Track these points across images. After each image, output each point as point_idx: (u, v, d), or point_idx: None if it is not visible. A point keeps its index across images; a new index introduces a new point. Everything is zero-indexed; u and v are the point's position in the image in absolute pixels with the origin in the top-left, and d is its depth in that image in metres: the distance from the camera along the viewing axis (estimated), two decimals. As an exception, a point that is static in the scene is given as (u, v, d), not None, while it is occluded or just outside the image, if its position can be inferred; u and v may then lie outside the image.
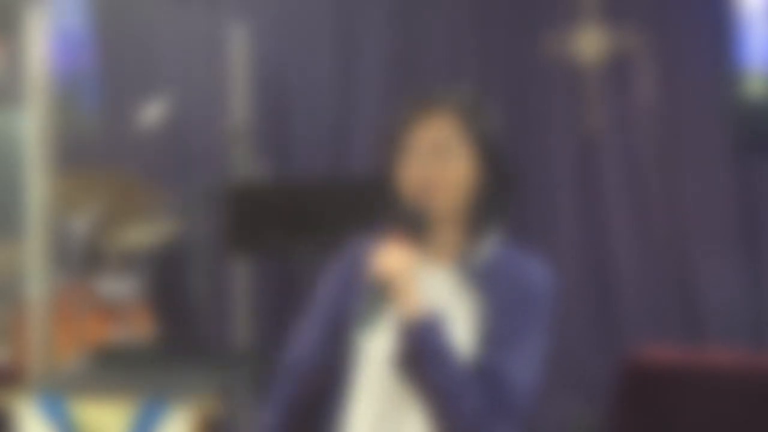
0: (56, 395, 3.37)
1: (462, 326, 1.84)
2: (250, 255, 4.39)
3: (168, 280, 4.65)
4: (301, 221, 4.01)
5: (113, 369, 3.68)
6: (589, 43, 4.45)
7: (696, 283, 4.39)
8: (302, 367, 1.96)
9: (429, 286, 1.85)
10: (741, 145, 4.33)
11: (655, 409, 3.55)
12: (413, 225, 1.86)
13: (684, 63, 4.40)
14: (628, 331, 4.36)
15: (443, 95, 1.95)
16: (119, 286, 4.27)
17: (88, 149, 4.54)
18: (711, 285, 4.34)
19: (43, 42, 3.66)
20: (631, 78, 4.44)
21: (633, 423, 3.59)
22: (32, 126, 3.66)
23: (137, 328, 4.18)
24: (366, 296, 1.81)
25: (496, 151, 1.92)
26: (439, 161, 1.88)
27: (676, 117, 4.42)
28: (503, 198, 1.94)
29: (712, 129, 4.38)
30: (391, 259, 1.82)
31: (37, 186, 3.65)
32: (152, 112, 4.55)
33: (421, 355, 1.77)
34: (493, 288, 1.87)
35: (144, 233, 4.40)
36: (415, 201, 1.87)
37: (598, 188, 4.51)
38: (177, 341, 4.30)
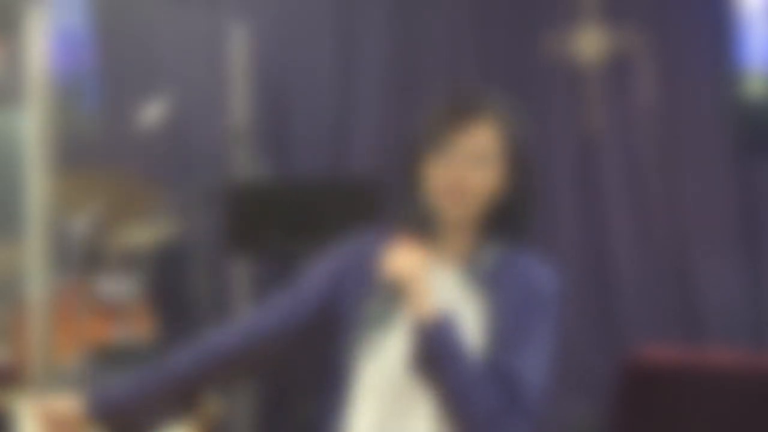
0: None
1: (470, 328, 1.84)
2: (251, 255, 4.39)
3: (168, 280, 4.64)
4: (301, 221, 4.01)
5: (113, 369, 3.68)
6: (589, 43, 4.45)
7: (696, 283, 4.38)
8: (267, 325, 1.96)
9: (437, 287, 1.85)
10: (741, 145, 4.33)
11: (655, 409, 3.55)
12: (425, 226, 1.85)
13: (684, 63, 4.40)
14: (628, 331, 4.36)
15: (484, 101, 1.93)
16: (119, 286, 4.26)
17: (88, 149, 4.54)
18: (711, 285, 4.34)
19: (43, 42, 3.66)
20: (631, 78, 4.44)
21: (633, 423, 3.59)
22: (32, 126, 3.66)
23: (137, 328, 4.18)
24: (376, 297, 1.81)
25: (526, 163, 1.92)
26: (474, 168, 1.87)
27: (676, 117, 4.42)
28: (526, 208, 1.94)
29: (712, 129, 4.37)
30: (404, 260, 1.82)
31: (37, 186, 3.65)
32: (152, 112, 4.54)
33: (436, 357, 1.77)
34: (500, 289, 1.88)
35: (144, 233, 4.40)
36: (438, 203, 1.86)
37: (598, 188, 4.51)
38: (177, 341, 4.30)
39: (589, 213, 4.52)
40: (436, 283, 1.85)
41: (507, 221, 1.92)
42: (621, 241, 4.47)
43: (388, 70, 4.67)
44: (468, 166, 1.87)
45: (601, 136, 4.48)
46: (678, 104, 4.41)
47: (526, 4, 4.55)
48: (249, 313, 1.98)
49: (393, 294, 1.79)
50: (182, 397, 1.99)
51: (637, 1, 4.47)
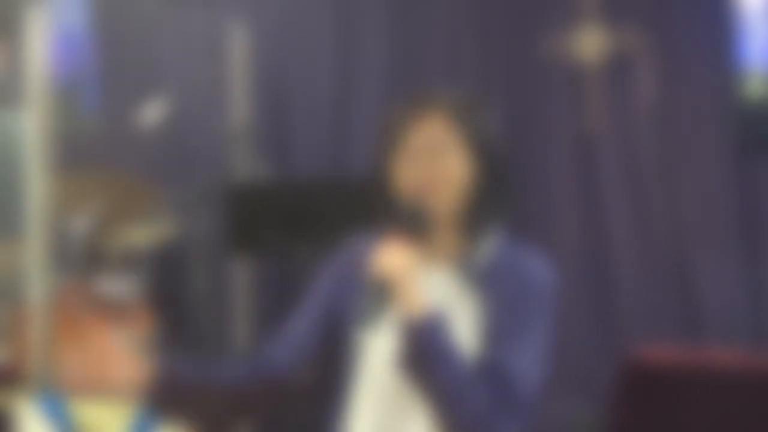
0: (56, 395, 3.37)
1: (465, 326, 1.84)
2: (251, 255, 4.39)
3: (168, 280, 4.64)
4: (301, 221, 4.01)
5: (113, 369, 3.67)
6: (589, 43, 4.45)
7: (696, 283, 4.38)
8: (287, 357, 1.95)
9: (430, 286, 1.85)
10: (741, 145, 4.33)
11: (655, 409, 3.55)
12: (412, 225, 1.86)
13: (684, 63, 4.40)
14: (628, 331, 4.36)
15: (436, 96, 1.95)
16: (119, 286, 4.26)
17: (88, 149, 4.54)
18: (711, 285, 4.34)
19: (43, 42, 3.66)
20: (632, 78, 4.44)
21: (633, 423, 3.59)
22: (32, 126, 3.65)
23: (137, 328, 4.17)
24: (366, 296, 1.81)
25: (491, 150, 1.93)
26: (434, 161, 1.89)
27: (676, 117, 4.42)
28: (501, 197, 1.94)
29: (712, 129, 4.38)
30: (391, 258, 1.82)
31: (37, 186, 3.64)
32: (152, 112, 4.54)
33: (424, 355, 1.77)
34: (494, 286, 1.88)
35: (144, 233, 4.40)
36: (412, 201, 1.87)
37: (597, 188, 4.51)
38: (177, 341, 4.30)
39: (589, 213, 4.52)
40: (430, 283, 1.85)
41: (485, 211, 1.92)
42: (621, 240, 4.47)
43: (388, 71, 4.67)
44: (427, 158, 1.89)
45: (601, 136, 4.48)
46: (678, 104, 4.41)
47: (526, 4, 4.55)
48: (261, 350, 1.97)
49: (383, 293, 1.79)
50: (226, 408, 1.96)
51: (637, 1, 4.47)
